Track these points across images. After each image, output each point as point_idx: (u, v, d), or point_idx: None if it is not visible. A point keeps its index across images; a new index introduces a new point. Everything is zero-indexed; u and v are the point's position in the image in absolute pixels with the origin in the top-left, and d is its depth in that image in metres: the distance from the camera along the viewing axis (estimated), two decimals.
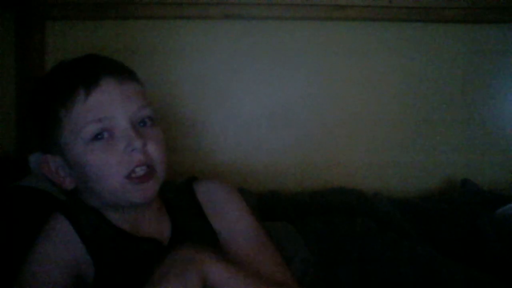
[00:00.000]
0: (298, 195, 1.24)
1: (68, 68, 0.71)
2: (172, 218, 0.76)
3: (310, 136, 1.39)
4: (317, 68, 1.38)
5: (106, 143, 0.67)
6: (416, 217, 1.11)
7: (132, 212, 0.72)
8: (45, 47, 1.31)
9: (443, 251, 0.93)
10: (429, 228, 1.07)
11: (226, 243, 0.75)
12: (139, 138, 0.67)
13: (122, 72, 0.70)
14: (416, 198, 1.34)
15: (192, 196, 0.79)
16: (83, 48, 1.29)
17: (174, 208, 0.78)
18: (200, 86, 1.36)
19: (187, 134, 1.37)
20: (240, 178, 1.35)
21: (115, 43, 1.33)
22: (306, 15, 1.34)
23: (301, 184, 1.37)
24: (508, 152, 1.42)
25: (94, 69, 0.68)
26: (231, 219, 0.77)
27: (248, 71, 1.37)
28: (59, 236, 0.68)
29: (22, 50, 1.30)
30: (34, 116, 0.73)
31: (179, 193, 0.80)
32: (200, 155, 1.37)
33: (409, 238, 0.98)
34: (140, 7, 1.30)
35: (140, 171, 0.68)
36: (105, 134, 0.67)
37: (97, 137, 0.67)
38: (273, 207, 1.15)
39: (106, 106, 0.67)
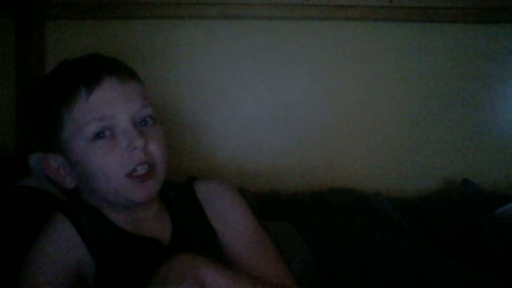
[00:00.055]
0: (298, 195, 1.24)
1: (69, 67, 0.71)
2: (172, 217, 0.76)
3: (310, 136, 1.39)
4: (317, 68, 1.38)
5: (108, 142, 0.67)
6: (416, 217, 1.10)
7: (132, 212, 0.72)
8: (45, 47, 1.31)
9: (443, 251, 0.93)
10: (429, 228, 1.07)
11: (226, 243, 0.76)
12: (141, 137, 0.67)
13: (124, 72, 0.70)
14: (416, 198, 1.34)
15: (193, 196, 0.79)
16: (83, 48, 1.27)
17: (174, 208, 0.78)
18: (200, 86, 1.36)
19: (187, 134, 1.37)
20: (240, 178, 1.35)
21: (115, 43, 1.33)
22: (306, 15, 1.34)
23: (301, 184, 1.37)
24: (508, 152, 1.41)
25: (96, 69, 0.68)
26: (231, 219, 0.77)
27: (248, 71, 1.37)
28: (60, 236, 0.68)
29: (22, 50, 1.30)
30: (35, 115, 0.73)
31: (179, 193, 0.80)
32: (200, 155, 1.37)
33: (409, 238, 0.98)
34: (140, 7, 1.30)
35: (141, 170, 0.68)
36: (107, 133, 0.67)
37: (98, 136, 0.67)
38: (273, 207, 1.15)
39: (108, 105, 0.67)
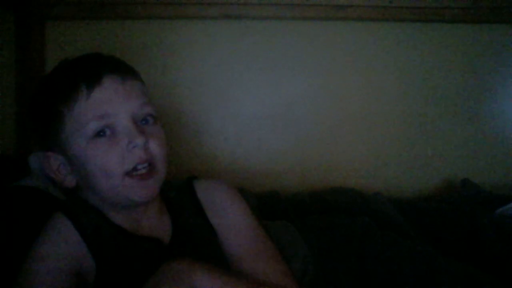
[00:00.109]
0: (298, 195, 1.24)
1: (70, 66, 0.71)
2: (172, 217, 0.76)
3: (310, 136, 1.39)
4: (317, 68, 1.38)
5: (108, 140, 0.67)
6: (416, 217, 1.10)
7: (133, 211, 0.72)
8: (45, 47, 1.31)
9: (443, 251, 0.93)
10: (429, 228, 1.07)
11: (226, 242, 0.75)
12: (141, 135, 0.67)
13: (124, 70, 0.70)
14: (416, 198, 1.34)
15: (193, 195, 0.79)
16: (83, 48, 1.27)
17: (174, 207, 0.78)
18: (200, 86, 1.36)
19: (187, 134, 1.37)
20: (240, 178, 1.36)
21: (115, 43, 1.33)
22: (306, 15, 1.34)
23: (301, 184, 1.37)
24: (508, 152, 1.42)
25: (96, 67, 0.68)
26: (231, 218, 0.77)
27: (248, 71, 1.37)
28: (60, 235, 0.68)
29: (22, 50, 1.30)
30: (36, 114, 0.73)
31: (179, 192, 0.80)
32: (200, 155, 1.37)
33: (409, 238, 0.98)
34: (139, 7, 1.30)
35: (141, 168, 0.68)
36: (107, 131, 0.67)
37: (99, 134, 0.67)
38: (273, 207, 1.15)
39: (108, 103, 0.67)
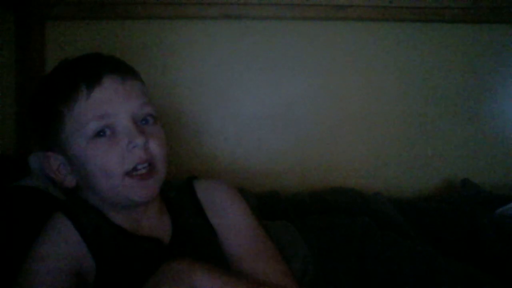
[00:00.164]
0: (298, 195, 1.24)
1: (70, 66, 0.71)
2: (172, 216, 0.76)
3: (310, 136, 1.39)
4: (317, 68, 1.38)
5: (108, 140, 0.67)
6: (416, 217, 1.10)
7: (133, 211, 0.72)
8: (45, 47, 1.31)
9: (443, 251, 0.93)
10: (429, 228, 1.07)
11: (225, 242, 0.75)
12: (141, 135, 0.67)
13: (124, 70, 0.71)
14: (416, 198, 1.34)
15: (193, 195, 0.79)
16: (83, 48, 1.27)
17: (174, 207, 0.78)
18: (200, 86, 1.36)
19: (187, 134, 1.37)
20: (240, 178, 1.36)
21: (115, 43, 1.33)
22: (306, 15, 1.34)
23: (301, 184, 1.37)
24: (508, 152, 1.42)
25: (97, 67, 0.68)
26: (231, 218, 0.77)
27: (248, 71, 1.37)
28: (60, 235, 0.68)
29: (22, 50, 1.30)
30: (36, 114, 0.73)
31: (179, 192, 0.80)
32: (200, 155, 1.37)
33: (409, 238, 0.98)
34: (139, 7, 1.30)
35: (141, 168, 0.68)
36: (107, 131, 0.67)
37: (99, 134, 0.67)
38: (273, 207, 1.15)
39: (108, 103, 0.67)
